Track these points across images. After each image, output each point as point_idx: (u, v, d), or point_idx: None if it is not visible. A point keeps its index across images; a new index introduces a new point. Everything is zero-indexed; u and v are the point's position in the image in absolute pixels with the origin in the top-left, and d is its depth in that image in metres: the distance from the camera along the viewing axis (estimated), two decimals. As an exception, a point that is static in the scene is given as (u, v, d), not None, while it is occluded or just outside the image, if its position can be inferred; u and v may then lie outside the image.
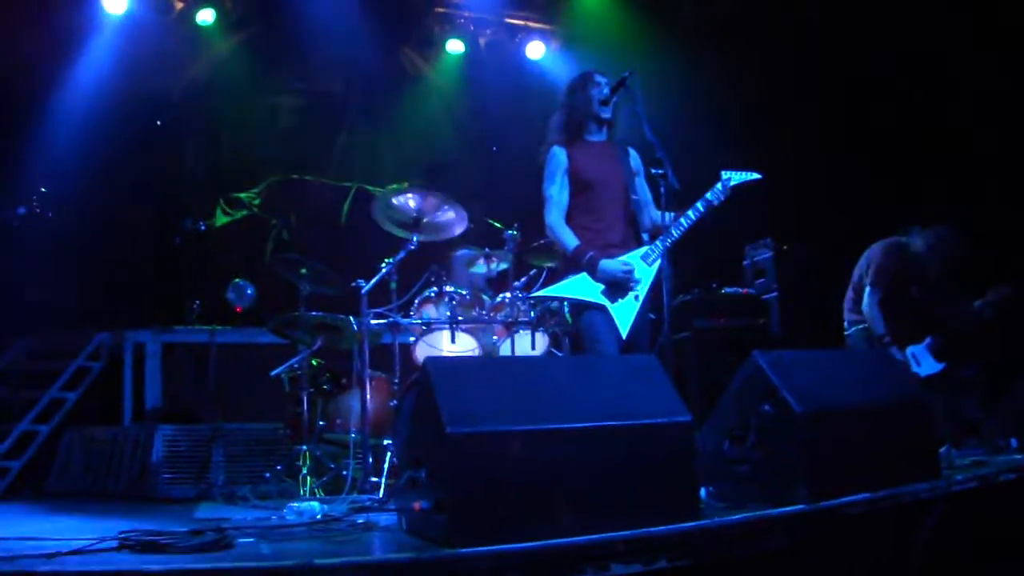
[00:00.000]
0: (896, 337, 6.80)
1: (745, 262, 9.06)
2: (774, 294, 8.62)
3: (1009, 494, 4.59)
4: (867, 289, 6.91)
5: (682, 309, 8.12)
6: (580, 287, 5.11)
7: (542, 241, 6.09)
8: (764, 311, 8.53)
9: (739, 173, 5.23)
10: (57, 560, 3.28)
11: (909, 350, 6.83)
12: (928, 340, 6.86)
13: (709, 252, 8.09)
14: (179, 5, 9.83)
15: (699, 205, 5.16)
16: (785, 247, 8.73)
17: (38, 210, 5.56)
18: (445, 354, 6.30)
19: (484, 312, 6.47)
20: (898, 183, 8.68)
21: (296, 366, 6.51)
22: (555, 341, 6.50)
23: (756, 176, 5.28)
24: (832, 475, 4.04)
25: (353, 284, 6.12)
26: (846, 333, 7.19)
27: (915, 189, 8.52)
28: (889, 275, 6.89)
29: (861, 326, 6.99)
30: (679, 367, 7.72)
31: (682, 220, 5.14)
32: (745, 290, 8.71)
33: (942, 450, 5.08)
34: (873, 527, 4.00)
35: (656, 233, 5.25)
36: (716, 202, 5.16)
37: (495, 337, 6.49)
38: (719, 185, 5.19)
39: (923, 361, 6.84)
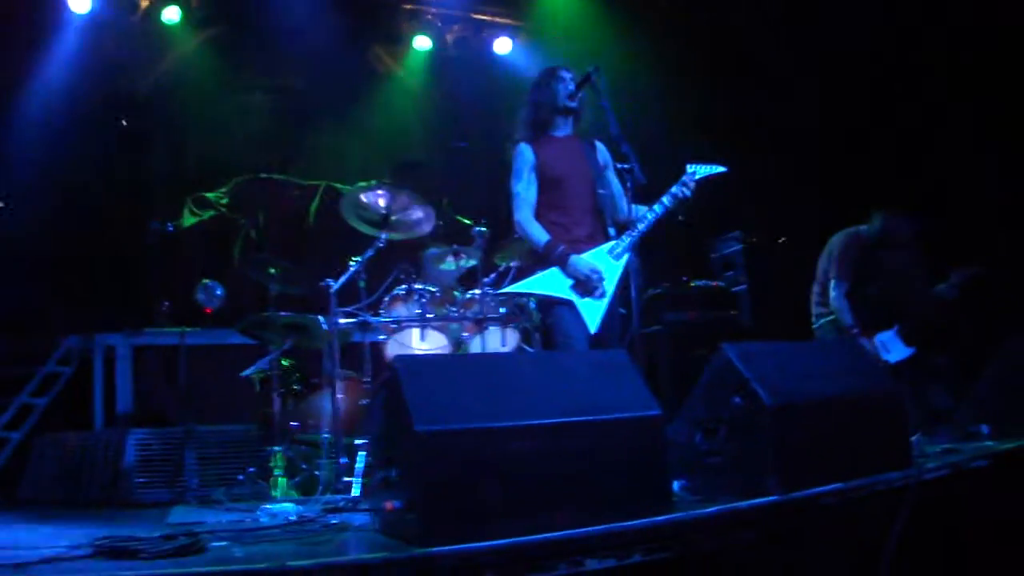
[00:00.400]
0: (864, 327, 6.84)
1: (714, 255, 9.09)
2: (743, 287, 8.65)
3: (981, 481, 4.62)
4: (832, 282, 6.97)
5: (652, 303, 8.15)
6: (549, 283, 5.11)
7: (516, 237, 6.07)
8: (734, 304, 8.57)
9: (705, 166, 5.24)
10: (29, 569, 3.25)
11: (878, 337, 6.88)
12: (897, 326, 6.91)
13: (679, 245, 8.11)
14: (144, 3, 9.71)
15: (665, 199, 5.17)
16: (754, 239, 8.76)
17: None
18: (415, 352, 6.29)
19: (454, 309, 6.46)
20: (867, 174, 8.71)
21: (266, 367, 6.47)
22: (526, 337, 6.49)
23: (722, 169, 5.29)
24: (803, 466, 4.06)
25: (322, 283, 6.09)
26: (814, 327, 7.23)
27: (882, 180, 8.56)
28: (851, 265, 6.94)
29: (829, 318, 7.04)
30: (650, 361, 7.74)
31: (648, 214, 5.16)
32: (715, 283, 8.74)
33: (913, 438, 5.11)
34: (845, 517, 4.02)
35: (624, 227, 5.25)
36: (682, 195, 5.16)
37: (465, 334, 6.48)
38: (685, 178, 5.19)
39: (892, 348, 6.89)
